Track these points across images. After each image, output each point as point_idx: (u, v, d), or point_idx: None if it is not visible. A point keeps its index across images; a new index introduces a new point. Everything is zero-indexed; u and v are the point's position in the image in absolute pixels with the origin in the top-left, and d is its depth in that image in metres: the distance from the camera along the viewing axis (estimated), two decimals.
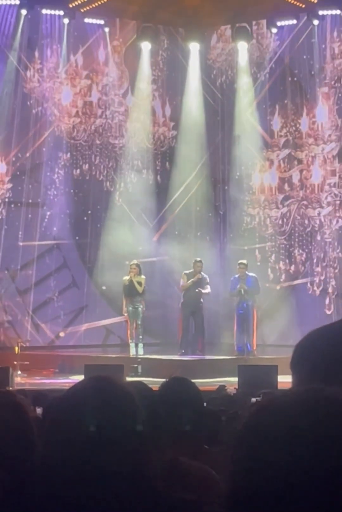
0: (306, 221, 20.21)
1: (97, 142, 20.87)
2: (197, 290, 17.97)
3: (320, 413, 1.17)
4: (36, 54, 20.24)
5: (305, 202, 20.28)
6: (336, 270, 19.64)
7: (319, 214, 19.98)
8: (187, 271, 18.34)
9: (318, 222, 20.04)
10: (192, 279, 18.03)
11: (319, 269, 19.90)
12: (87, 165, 20.76)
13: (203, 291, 18.13)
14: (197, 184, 21.23)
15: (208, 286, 18.30)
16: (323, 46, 20.19)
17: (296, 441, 1.14)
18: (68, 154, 20.57)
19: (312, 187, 20.14)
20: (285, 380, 10.54)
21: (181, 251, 20.35)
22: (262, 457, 1.15)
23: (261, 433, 1.17)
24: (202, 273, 18.19)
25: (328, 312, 19.41)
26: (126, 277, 18.08)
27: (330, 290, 19.61)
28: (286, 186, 20.57)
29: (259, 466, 1.15)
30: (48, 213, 20.21)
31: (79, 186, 20.69)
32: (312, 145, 20.21)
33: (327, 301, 19.60)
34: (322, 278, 19.79)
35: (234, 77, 21.34)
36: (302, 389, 1.23)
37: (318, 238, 19.97)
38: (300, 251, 20.28)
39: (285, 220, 20.52)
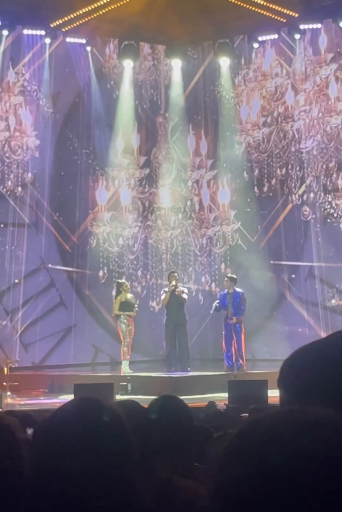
0: None
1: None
2: (176, 292, 17.95)
3: (299, 436, 1.20)
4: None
5: None
6: (323, 283, 19.63)
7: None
8: (166, 289, 18.47)
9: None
10: (166, 290, 18.17)
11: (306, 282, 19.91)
12: None
13: (182, 295, 18.13)
14: None
15: (186, 291, 18.39)
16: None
17: (273, 464, 1.19)
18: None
19: None
20: (275, 394, 10.50)
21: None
22: (242, 477, 1.21)
23: (242, 455, 1.23)
24: (179, 285, 18.28)
25: (317, 326, 19.32)
26: (124, 294, 18.11)
27: (318, 303, 19.51)
28: None
29: (240, 485, 1.21)
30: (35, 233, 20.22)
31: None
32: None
33: (316, 315, 19.54)
34: (310, 291, 19.75)
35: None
36: (283, 410, 1.27)
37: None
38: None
39: None
